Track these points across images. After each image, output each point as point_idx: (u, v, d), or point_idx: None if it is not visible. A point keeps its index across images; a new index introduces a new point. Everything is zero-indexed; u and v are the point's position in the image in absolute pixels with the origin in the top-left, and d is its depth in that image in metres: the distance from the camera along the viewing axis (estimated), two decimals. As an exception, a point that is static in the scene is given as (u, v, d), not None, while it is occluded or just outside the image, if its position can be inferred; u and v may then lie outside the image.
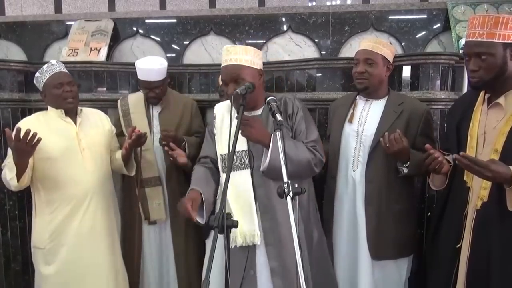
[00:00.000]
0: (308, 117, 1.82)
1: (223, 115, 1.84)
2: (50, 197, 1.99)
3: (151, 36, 3.00)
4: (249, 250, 1.72)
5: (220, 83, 2.36)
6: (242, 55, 1.72)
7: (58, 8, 3.82)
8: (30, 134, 1.70)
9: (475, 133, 1.57)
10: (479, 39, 1.47)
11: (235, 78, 1.69)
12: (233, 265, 1.43)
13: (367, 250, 1.93)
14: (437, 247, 1.72)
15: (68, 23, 3.08)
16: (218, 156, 1.81)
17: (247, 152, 1.75)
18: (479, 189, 1.53)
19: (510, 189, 1.37)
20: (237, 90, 1.56)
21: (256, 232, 1.69)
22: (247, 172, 1.74)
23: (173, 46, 2.98)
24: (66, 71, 2.06)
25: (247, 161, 1.75)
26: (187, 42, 2.96)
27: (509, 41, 1.46)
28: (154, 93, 2.29)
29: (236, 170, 1.74)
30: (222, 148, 1.80)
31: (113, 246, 2.13)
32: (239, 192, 1.72)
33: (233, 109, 1.53)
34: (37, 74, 2.03)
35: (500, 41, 1.45)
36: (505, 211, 1.40)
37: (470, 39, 1.50)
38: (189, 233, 2.37)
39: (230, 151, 1.33)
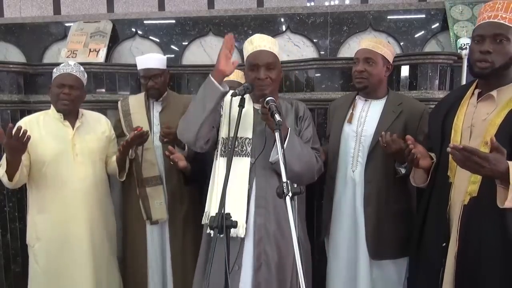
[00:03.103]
0: (313, 126, 1.85)
1: (234, 101, 1.70)
2: (40, 197, 2.02)
3: (150, 37, 3.00)
4: (238, 244, 1.68)
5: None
6: (274, 46, 1.77)
7: (56, 10, 3.82)
8: (21, 132, 1.73)
9: (460, 127, 1.54)
10: (501, 21, 1.44)
11: (269, 65, 1.72)
12: (221, 258, 1.38)
13: (366, 250, 1.93)
14: (423, 246, 1.68)
15: (66, 24, 3.09)
16: (219, 139, 1.79)
17: (250, 140, 1.75)
18: (467, 184, 1.48)
19: (501, 187, 1.32)
20: (236, 90, 1.57)
21: (242, 224, 1.64)
22: (247, 160, 1.73)
23: (172, 47, 2.99)
24: (78, 75, 2.07)
25: (249, 149, 1.74)
26: (186, 43, 2.97)
27: None
28: (153, 83, 2.31)
29: (236, 156, 1.72)
30: (225, 131, 1.75)
31: (97, 252, 2.11)
32: (233, 179, 1.62)
33: (250, 99, 1.62)
34: (54, 69, 2.08)
35: None
36: (497, 206, 1.34)
37: (492, 20, 1.45)
38: (187, 233, 2.37)
39: (232, 142, 1.39)
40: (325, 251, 2.17)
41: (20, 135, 1.73)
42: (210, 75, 1.65)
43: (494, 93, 1.48)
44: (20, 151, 1.82)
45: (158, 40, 2.99)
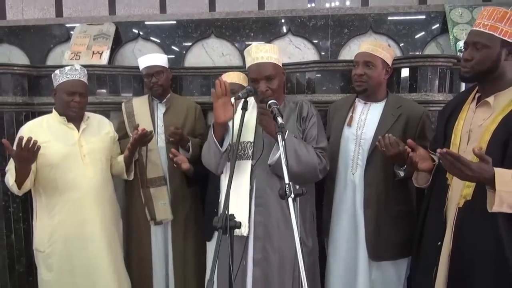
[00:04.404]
0: (320, 126, 1.86)
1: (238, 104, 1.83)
2: (50, 201, 2.02)
3: (152, 39, 3.02)
4: (244, 241, 1.74)
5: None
6: (272, 53, 1.79)
7: (59, 12, 3.83)
8: (31, 142, 1.73)
9: (459, 131, 1.57)
10: (482, 29, 1.48)
11: (268, 76, 1.75)
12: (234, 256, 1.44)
13: (366, 252, 1.95)
14: (422, 245, 1.71)
15: (69, 26, 3.11)
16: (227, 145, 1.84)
17: (252, 143, 1.79)
18: (462, 187, 1.50)
19: (491, 191, 1.34)
20: (239, 94, 1.61)
21: (244, 223, 1.72)
22: (248, 162, 1.78)
23: (174, 48, 3.01)
24: (86, 80, 2.08)
25: (250, 152, 1.79)
26: (188, 45, 2.99)
27: (509, 40, 1.45)
28: (156, 79, 2.34)
29: (239, 160, 1.79)
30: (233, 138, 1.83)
31: (112, 250, 2.13)
32: (237, 181, 1.74)
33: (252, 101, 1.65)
34: (56, 71, 2.05)
35: (501, 36, 1.45)
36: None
37: (474, 28, 1.51)
38: (188, 234, 2.40)
39: (235, 146, 1.43)
40: (325, 251, 2.19)
41: (30, 145, 1.73)
42: (212, 128, 1.77)
43: (490, 99, 1.51)
44: (30, 161, 1.82)
45: (160, 42, 3.01)
